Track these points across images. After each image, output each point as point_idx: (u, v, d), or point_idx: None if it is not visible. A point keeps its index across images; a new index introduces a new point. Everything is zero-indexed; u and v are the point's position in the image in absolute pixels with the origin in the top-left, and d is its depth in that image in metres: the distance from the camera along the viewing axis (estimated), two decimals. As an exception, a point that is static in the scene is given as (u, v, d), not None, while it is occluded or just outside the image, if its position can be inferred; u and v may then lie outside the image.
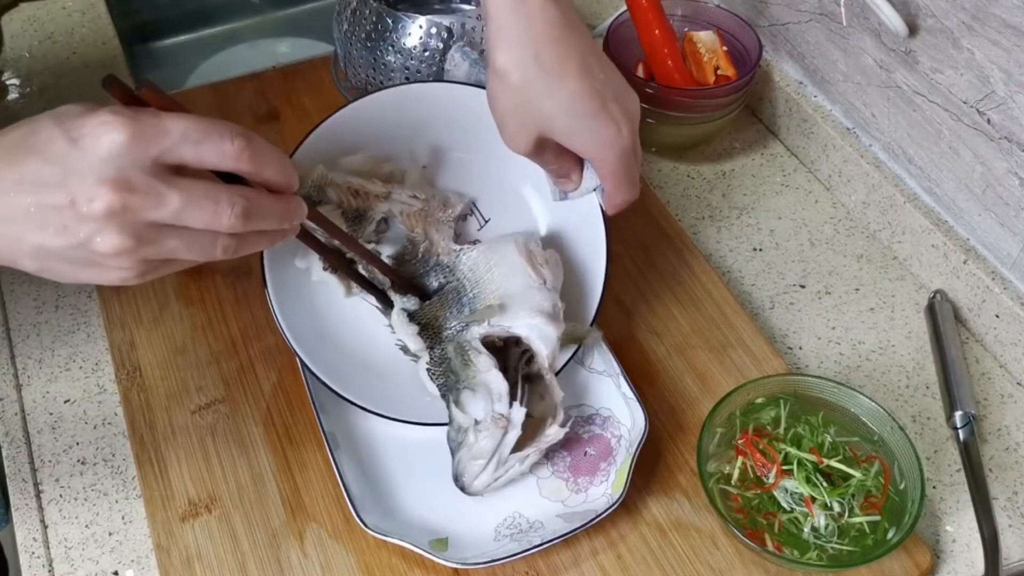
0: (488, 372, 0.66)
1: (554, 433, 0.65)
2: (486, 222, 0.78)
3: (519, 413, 0.64)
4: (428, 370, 0.69)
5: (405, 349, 0.71)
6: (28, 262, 0.51)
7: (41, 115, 0.50)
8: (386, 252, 0.73)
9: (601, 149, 0.65)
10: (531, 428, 0.65)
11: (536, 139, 0.65)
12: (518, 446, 0.64)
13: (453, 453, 0.65)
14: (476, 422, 0.64)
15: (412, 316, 0.71)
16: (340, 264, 0.71)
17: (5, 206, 0.49)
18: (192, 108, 0.99)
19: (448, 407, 0.67)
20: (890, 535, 0.64)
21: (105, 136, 0.48)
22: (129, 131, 0.48)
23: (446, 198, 0.75)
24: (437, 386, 0.69)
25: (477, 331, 0.67)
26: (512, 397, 0.65)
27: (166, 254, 0.52)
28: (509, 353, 0.68)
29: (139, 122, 0.49)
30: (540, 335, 0.66)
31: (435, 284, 0.72)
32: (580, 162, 0.70)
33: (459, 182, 0.77)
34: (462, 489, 0.64)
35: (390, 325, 0.72)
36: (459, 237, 0.76)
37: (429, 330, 0.71)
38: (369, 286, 0.72)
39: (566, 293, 0.71)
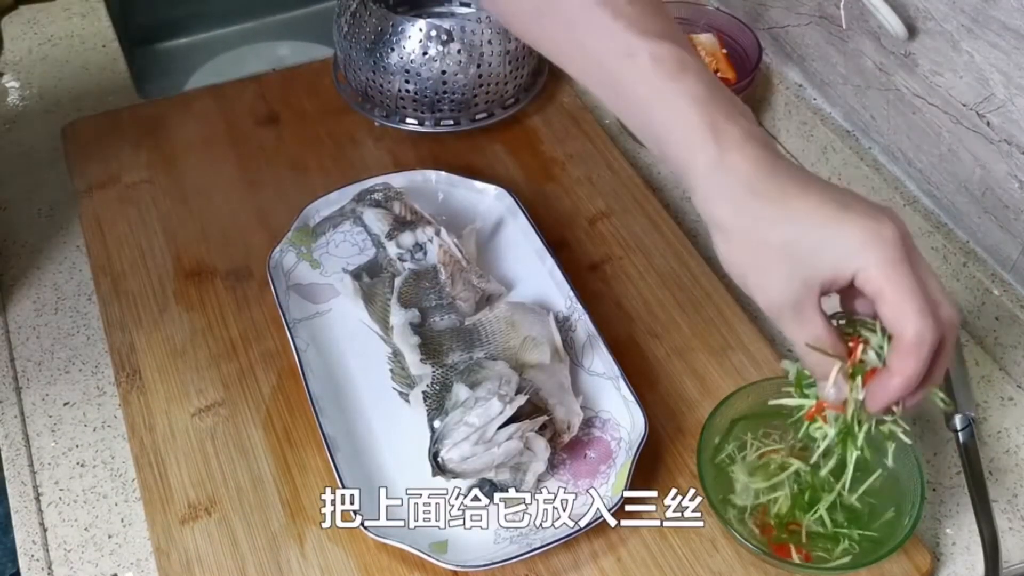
0: (498, 365, 0.69)
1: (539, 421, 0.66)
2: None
3: (520, 399, 0.65)
4: (424, 392, 0.70)
5: (402, 393, 0.73)
6: None
7: None
8: (408, 266, 0.76)
9: (858, 249, 0.50)
10: None
11: (788, 284, 0.52)
12: None
13: (436, 428, 0.66)
14: (477, 399, 0.65)
15: (416, 331, 0.73)
16: None
17: None
18: (192, 110, 1.00)
19: (441, 414, 0.67)
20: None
21: None
22: None
23: (487, 275, 0.78)
24: (428, 410, 0.69)
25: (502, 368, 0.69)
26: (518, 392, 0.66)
27: None
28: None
29: None
30: (567, 410, 0.69)
31: (438, 318, 0.74)
32: (844, 343, 0.55)
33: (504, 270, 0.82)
34: (435, 457, 0.63)
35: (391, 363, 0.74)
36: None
37: (429, 348, 0.72)
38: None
39: None
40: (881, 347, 0.54)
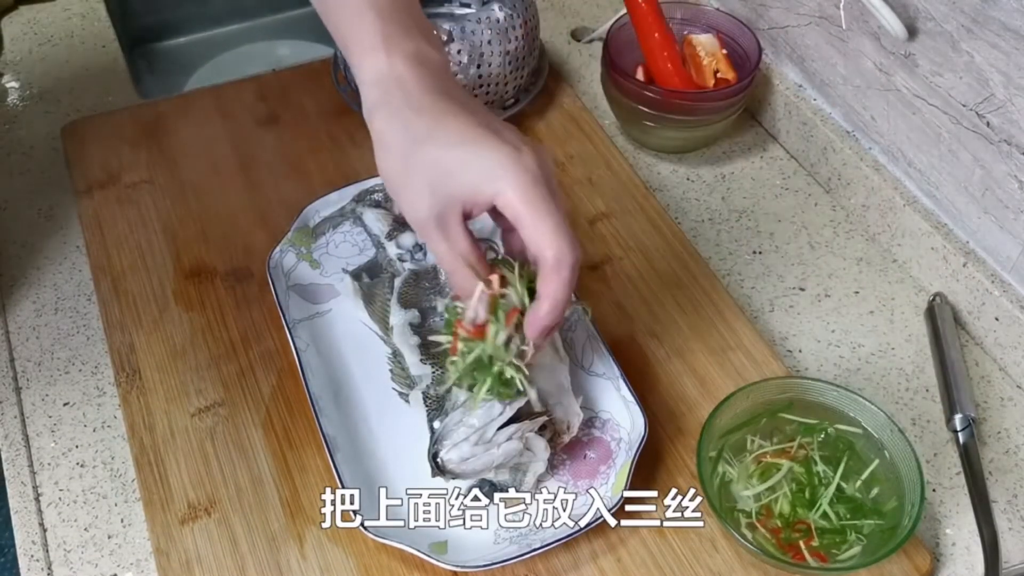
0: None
1: (537, 422, 0.66)
2: None
3: (520, 400, 0.64)
4: (424, 392, 0.69)
5: (402, 394, 0.73)
6: None
7: None
8: (408, 266, 0.76)
9: (498, 172, 0.54)
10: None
11: (433, 199, 0.55)
12: None
13: (436, 429, 0.66)
14: None
15: (416, 332, 0.73)
16: None
17: None
18: (192, 111, 1.00)
19: (441, 414, 0.67)
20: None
21: None
22: None
23: None
24: (428, 410, 0.68)
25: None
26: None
27: None
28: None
29: None
30: (567, 410, 0.68)
31: (438, 318, 0.74)
32: (483, 257, 0.59)
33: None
34: (435, 457, 0.63)
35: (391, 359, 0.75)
36: None
37: (429, 349, 0.72)
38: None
39: None
40: (515, 285, 0.59)
